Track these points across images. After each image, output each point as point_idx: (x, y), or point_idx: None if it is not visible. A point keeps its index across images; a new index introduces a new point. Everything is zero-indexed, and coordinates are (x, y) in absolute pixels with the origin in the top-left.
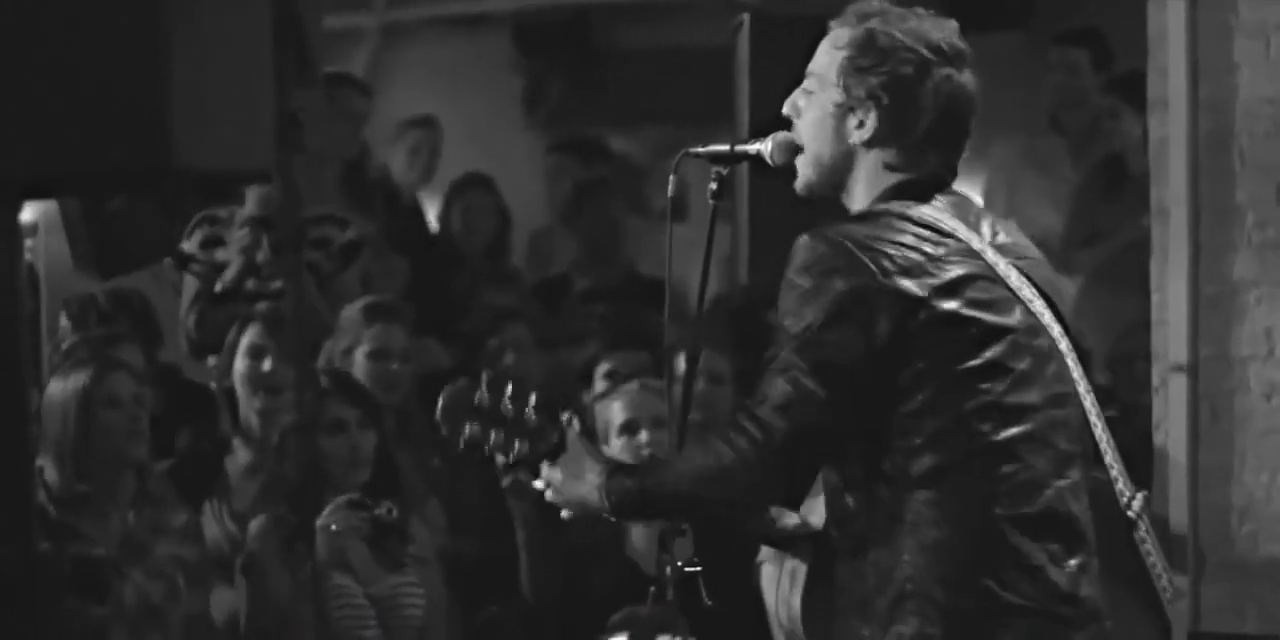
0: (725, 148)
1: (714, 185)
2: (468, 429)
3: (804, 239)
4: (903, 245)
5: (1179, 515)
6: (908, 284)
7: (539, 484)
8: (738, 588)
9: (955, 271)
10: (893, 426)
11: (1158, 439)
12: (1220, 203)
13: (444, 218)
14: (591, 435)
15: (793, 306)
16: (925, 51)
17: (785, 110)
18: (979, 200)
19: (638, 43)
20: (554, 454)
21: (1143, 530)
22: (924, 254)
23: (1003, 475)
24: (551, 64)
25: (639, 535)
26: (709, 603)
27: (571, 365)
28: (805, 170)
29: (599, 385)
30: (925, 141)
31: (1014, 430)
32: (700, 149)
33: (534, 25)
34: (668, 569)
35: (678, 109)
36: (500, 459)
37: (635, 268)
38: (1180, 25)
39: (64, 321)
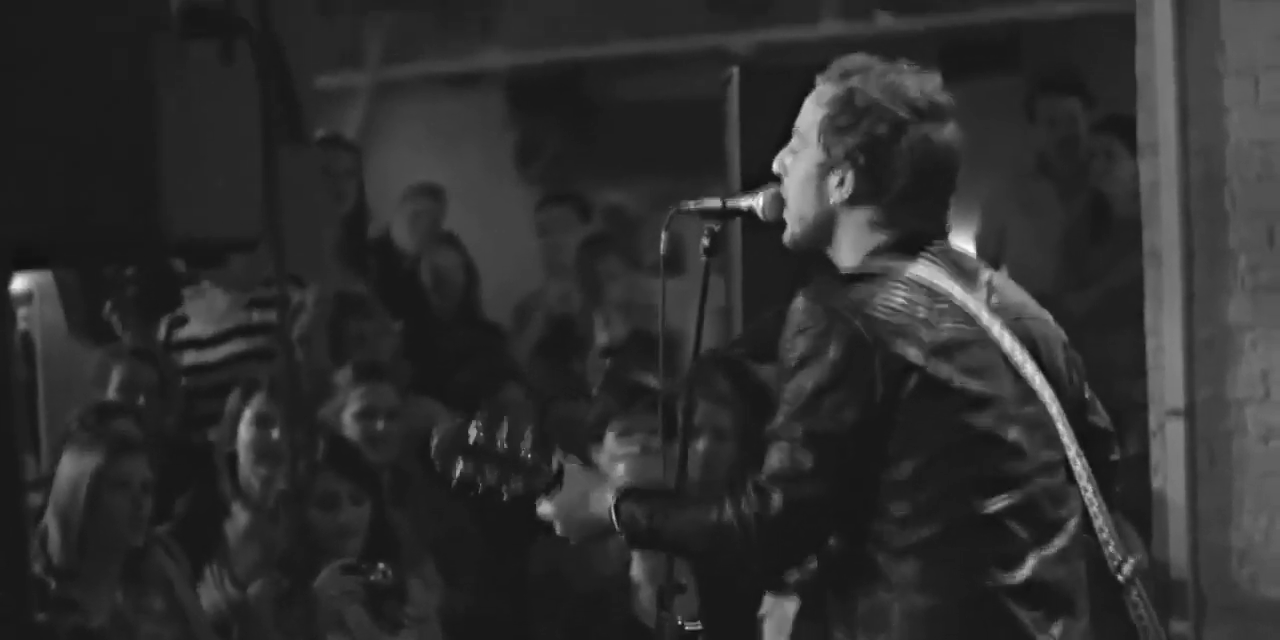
0: (717, 203)
1: (706, 241)
2: (460, 467)
3: (799, 302)
4: (894, 309)
5: (1179, 558)
6: (900, 348)
7: (545, 514)
8: None
9: (947, 336)
10: (884, 492)
11: (1156, 483)
12: (1213, 246)
13: (419, 277)
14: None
15: (788, 372)
16: (901, 110)
17: (775, 168)
18: (972, 250)
19: (629, 96)
20: (550, 489)
21: (1134, 595)
22: (916, 318)
23: (988, 546)
24: (545, 119)
25: (645, 593)
26: None
27: (575, 423)
28: (791, 226)
29: (609, 442)
30: (903, 199)
31: (1003, 502)
32: (692, 205)
33: (527, 81)
34: (668, 626)
35: (670, 161)
36: (494, 496)
37: (639, 321)
38: (1168, 68)
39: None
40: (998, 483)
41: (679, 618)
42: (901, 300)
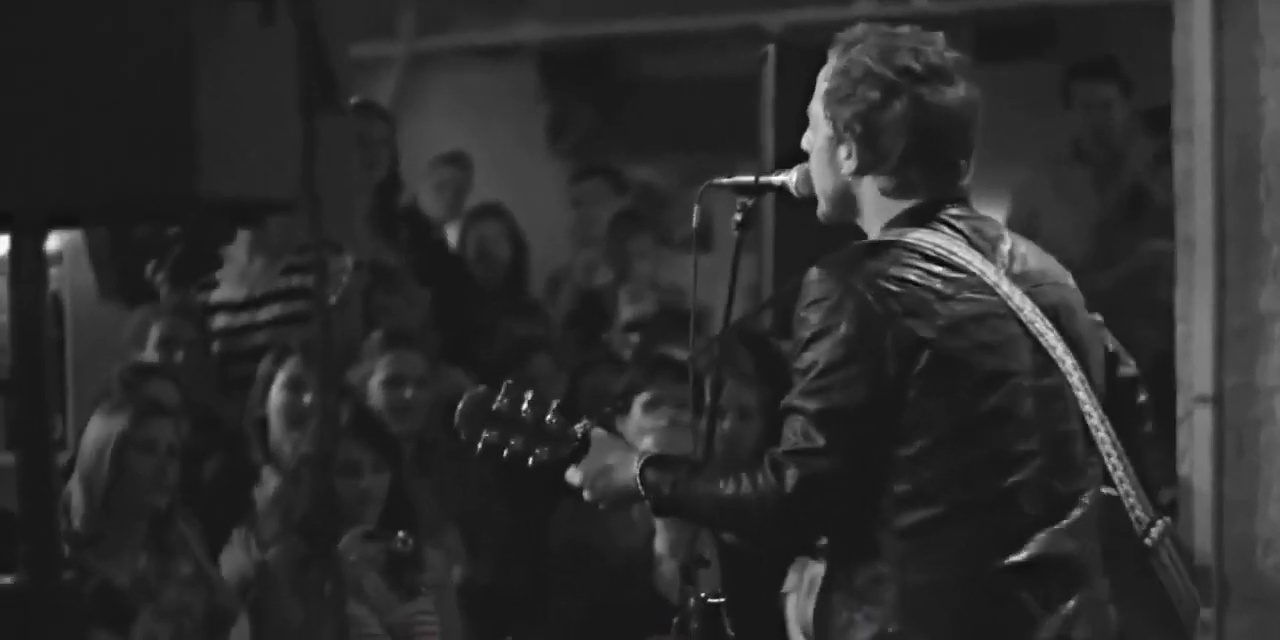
0: (750, 179)
1: (739, 216)
2: (485, 435)
3: (813, 273)
4: (910, 282)
5: (1204, 547)
6: (913, 324)
7: (573, 480)
8: (763, 619)
9: (963, 310)
10: (891, 469)
11: (1182, 470)
12: (1246, 234)
13: (460, 248)
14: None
15: (801, 345)
16: (891, 74)
17: (803, 144)
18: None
19: (663, 72)
20: (576, 457)
21: (1163, 557)
22: (932, 291)
23: (995, 525)
24: (577, 93)
25: (667, 567)
26: (732, 634)
27: (604, 394)
28: (819, 201)
29: (636, 415)
30: (909, 164)
31: (1011, 479)
32: (725, 180)
33: (559, 55)
34: (691, 600)
35: (702, 138)
36: (519, 462)
37: (666, 297)
38: (1206, 57)
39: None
40: (1007, 461)
41: (702, 591)
42: (917, 273)
